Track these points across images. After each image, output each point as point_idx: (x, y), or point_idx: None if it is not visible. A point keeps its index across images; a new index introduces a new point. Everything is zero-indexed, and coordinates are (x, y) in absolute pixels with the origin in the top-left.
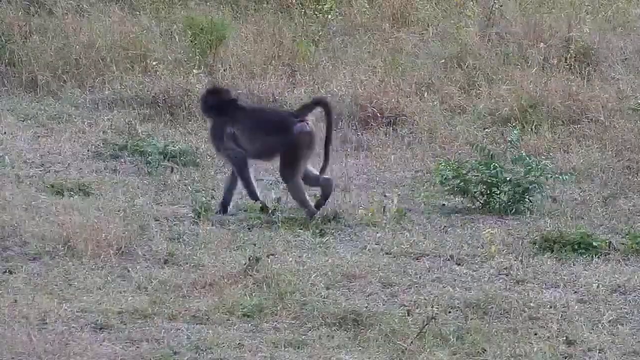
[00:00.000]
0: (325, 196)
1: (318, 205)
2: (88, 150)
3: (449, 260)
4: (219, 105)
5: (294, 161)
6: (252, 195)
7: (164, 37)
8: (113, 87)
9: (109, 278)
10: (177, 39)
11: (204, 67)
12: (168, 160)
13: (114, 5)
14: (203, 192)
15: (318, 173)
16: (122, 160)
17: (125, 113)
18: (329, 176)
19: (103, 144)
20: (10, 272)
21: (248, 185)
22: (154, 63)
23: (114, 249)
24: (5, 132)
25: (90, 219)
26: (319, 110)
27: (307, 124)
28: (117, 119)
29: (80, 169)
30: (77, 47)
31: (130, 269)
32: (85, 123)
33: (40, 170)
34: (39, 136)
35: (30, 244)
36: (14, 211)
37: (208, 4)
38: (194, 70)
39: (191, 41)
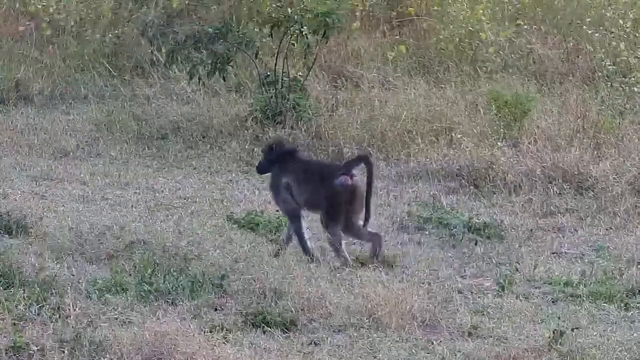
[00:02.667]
0: (374, 251)
1: (371, 259)
2: (393, 223)
3: None
4: (277, 158)
5: (334, 212)
6: (305, 249)
7: (468, 110)
8: (418, 160)
9: (413, 350)
10: (481, 112)
11: (509, 139)
12: (472, 232)
13: (419, 79)
14: (507, 265)
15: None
16: (427, 232)
17: (430, 185)
18: (377, 231)
19: (408, 216)
20: (316, 344)
21: (301, 239)
22: (459, 136)
23: (418, 321)
24: None
25: (394, 292)
26: (362, 166)
27: (350, 178)
28: (421, 191)
29: (385, 241)
30: (383, 119)
31: (434, 342)
32: (391, 195)
33: (347, 242)
34: None
35: (335, 316)
36: (320, 283)
37: (513, 77)
38: (499, 143)
39: (495, 114)
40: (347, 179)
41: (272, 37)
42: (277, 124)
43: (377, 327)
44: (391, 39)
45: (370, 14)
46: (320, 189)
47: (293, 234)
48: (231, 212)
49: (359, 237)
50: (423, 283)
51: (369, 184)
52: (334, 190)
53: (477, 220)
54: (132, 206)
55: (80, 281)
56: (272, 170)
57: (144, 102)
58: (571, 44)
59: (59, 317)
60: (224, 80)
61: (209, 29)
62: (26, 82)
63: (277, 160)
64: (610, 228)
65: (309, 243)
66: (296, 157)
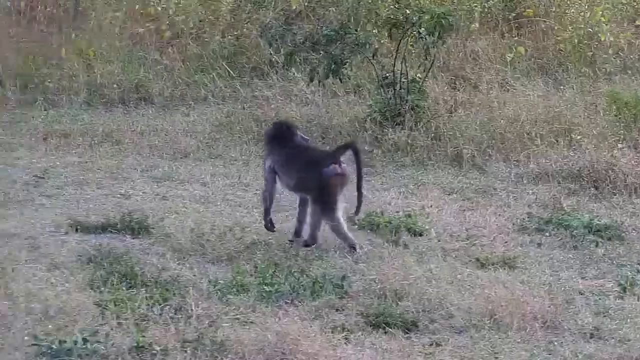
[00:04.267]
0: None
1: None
2: (513, 224)
3: None
4: (273, 138)
5: (327, 200)
6: (266, 219)
7: (588, 111)
8: (538, 161)
9: (534, 352)
10: (601, 113)
11: (629, 140)
12: (593, 234)
13: (538, 80)
14: (628, 266)
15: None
16: (547, 234)
17: (550, 187)
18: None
19: (528, 217)
20: (437, 345)
21: (266, 213)
22: (578, 137)
23: (539, 322)
24: (431, 205)
25: (515, 293)
26: (349, 153)
27: (339, 166)
28: (541, 193)
29: (506, 242)
30: (502, 121)
31: (555, 343)
32: (510, 197)
33: (466, 244)
34: (464, 209)
35: (456, 317)
36: (440, 284)
37: (632, 78)
38: (618, 145)
39: (615, 115)
40: (336, 168)
41: (390, 38)
42: (396, 125)
43: (498, 328)
44: (510, 40)
45: (489, 15)
46: (308, 176)
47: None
48: (351, 214)
49: (340, 232)
50: (544, 284)
51: (359, 171)
52: (325, 179)
53: (598, 222)
54: (253, 207)
55: (201, 281)
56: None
57: (263, 103)
58: None
59: (181, 317)
60: (341, 82)
61: (326, 31)
62: (146, 83)
63: (271, 142)
64: None
65: (271, 219)
66: (290, 140)
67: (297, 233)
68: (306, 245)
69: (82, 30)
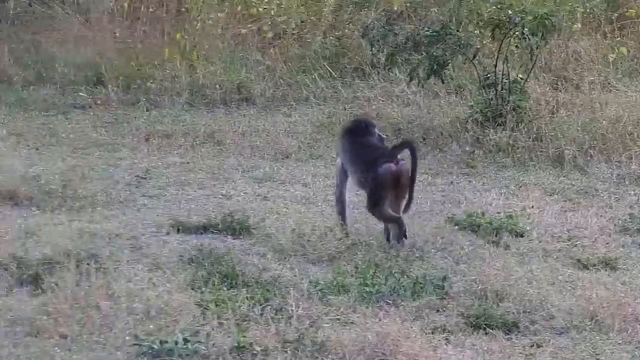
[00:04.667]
0: (397, 234)
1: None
2: (614, 225)
3: None
4: (347, 134)
5: (377, 197)
6: (342, 217)
7: None
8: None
9: (636, 353)
10: None
11: None
12: None
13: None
14: None
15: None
16: None
17: None
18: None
19: (630, 218)
20: (538, 346)
21: (342, 211)
22: None
23: None
24: (532, 206)
25: (617, 294)
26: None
27: (396, 164)
28: None
29: (607, 243)
30: (604, 122)
31: None
32: (612, 198)
33: (567, 245)
34: (565, 210)
35: (557, 318)
36: (541, 285)
37: None
38: None
39: None
40: (392, 166)
41: (493, 39)
42: (497, 125)
43: (599, 330)
44: (612, 40)
45: (591, 15)
46: (365, 174)
47: (335, 205)
48: (452, 214)
49: (385, 220)
50: None
51: (413, 170)
52: (378, 177)
53: None
54: (353, 207)
55: (302, 282)
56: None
57: (364, 104)
58: None
59: (282, 317)
60: (442, 83)
61: (427, 32)
62: (248, 84)
63: (343, 138)
64: None
65: (347, 217)
66: (362, 137)
67: (387, 234)
68: (403, 237)
69: (185, 31)
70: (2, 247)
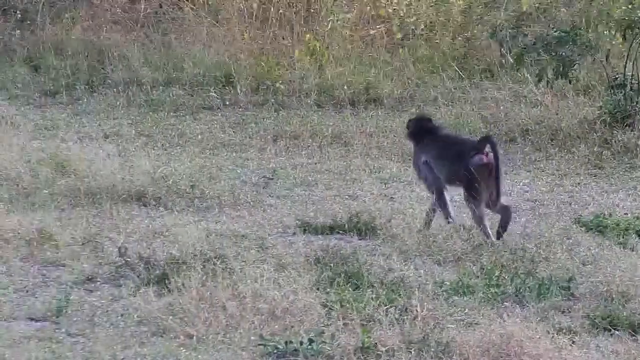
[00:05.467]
0: (503, 225)
1: (498, 236)
2: None
3: None
4: (417, 133)
5: (474, 190)
6: (447, 215)
7: None
8: None
9: None
10: None
11: None
12: None
13: None
14: None
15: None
16: None
17: None
18: (507, 204)
19: None
20: None
21: (444, 206)
22: None
23: None
24: None
25: None
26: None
27: (485, 155)
28: None
29: None
30: None
31: None
32: None
33: None
34: None
35: None
36: None
37: None
38: None
39: None
40: (482, 158)
41: (624, 39)
42: (625, 127)
43: None
44: None
45: None
46: (457, 166)
47: (436, 206)
48: (579, 215)
49: (475, 218)
50: None
51: (496, 161)
52: (471, 170)
53: None
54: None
55: (427, 283)
56: (413, 147)
57: (492, 105)
58: None
59: (407, 318)
60: (570, 84)
61: (556, 33)
62: (376, 84)
63: (415, 138)
64: None
65: (452, 211)
66: (433, 133)
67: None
68: (498, 237)
69: (314, 33)
70: (129, 247)
